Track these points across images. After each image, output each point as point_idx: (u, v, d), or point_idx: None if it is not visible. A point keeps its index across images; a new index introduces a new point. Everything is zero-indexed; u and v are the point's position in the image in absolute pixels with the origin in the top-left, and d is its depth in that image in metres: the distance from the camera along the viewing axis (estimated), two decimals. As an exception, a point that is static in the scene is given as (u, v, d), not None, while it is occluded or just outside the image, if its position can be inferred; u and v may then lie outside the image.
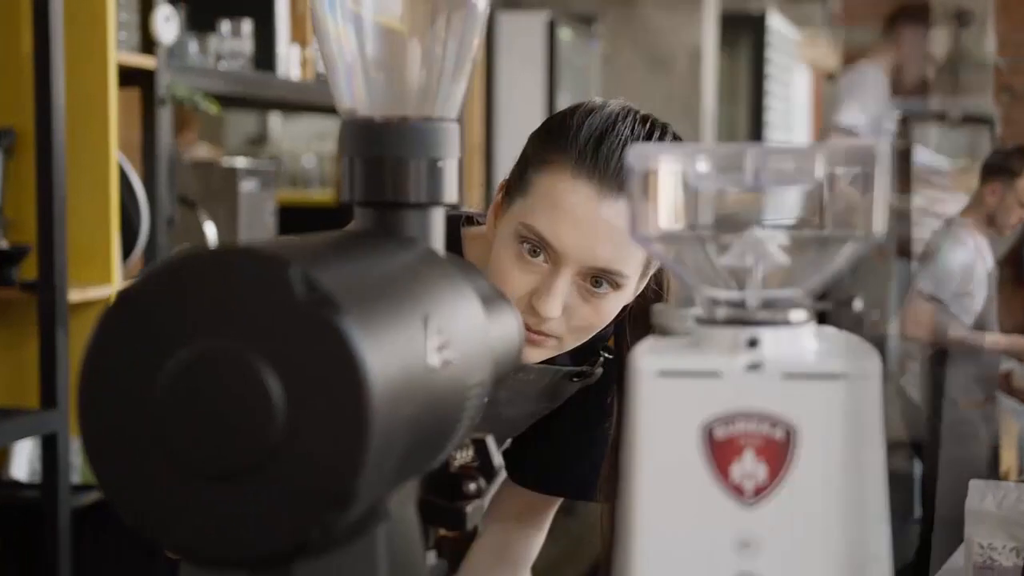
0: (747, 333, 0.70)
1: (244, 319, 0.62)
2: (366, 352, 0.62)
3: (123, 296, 0.63)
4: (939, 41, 4.51)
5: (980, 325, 4.33)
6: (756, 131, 7.46)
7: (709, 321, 0.73)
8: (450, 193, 0.84)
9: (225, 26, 3.05)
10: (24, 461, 2.60)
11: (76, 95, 2.47)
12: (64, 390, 2.37)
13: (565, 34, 5.43)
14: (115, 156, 2.52)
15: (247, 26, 3.05)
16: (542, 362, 1.38)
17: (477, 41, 0.86)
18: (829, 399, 0.68)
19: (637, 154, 0.72)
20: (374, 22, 0.83)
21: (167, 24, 2.66)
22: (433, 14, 0.84)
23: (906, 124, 4.62)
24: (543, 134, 1.30)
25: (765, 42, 7.28)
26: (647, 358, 0.71)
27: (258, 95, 3.19)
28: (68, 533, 2.39)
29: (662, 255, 0.73)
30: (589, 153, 1.24)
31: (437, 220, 0.84)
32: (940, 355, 4.36)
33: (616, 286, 1.27)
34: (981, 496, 2.03)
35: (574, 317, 1.28)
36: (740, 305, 0.73)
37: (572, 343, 1.31)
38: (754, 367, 0.69)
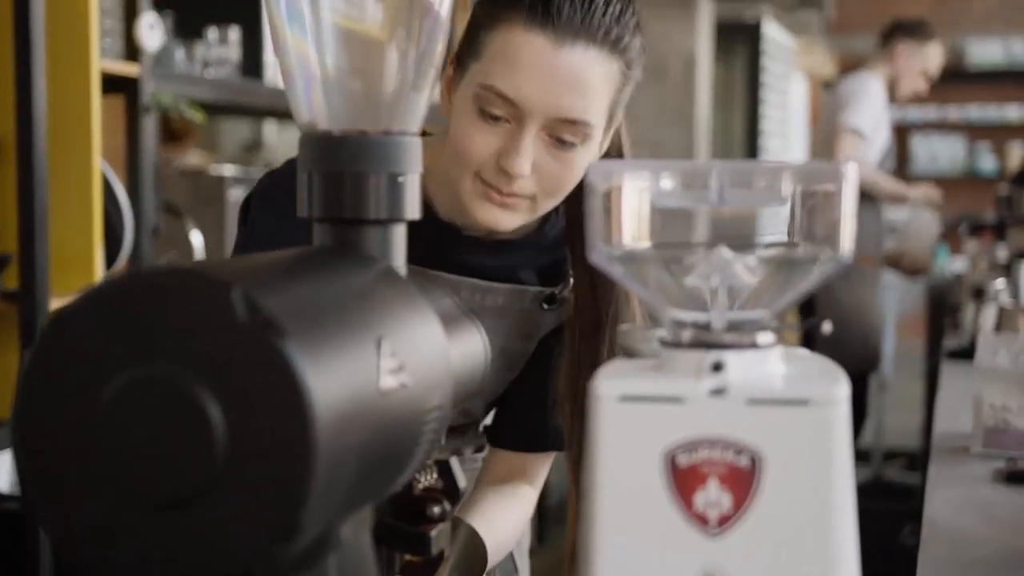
0: (712, 357, 0.68)
1: (185, 342, 0.60)
2: (311, 377, 0.59)
3: (61, 316, 0.61)
4: (935, 54, 4.53)
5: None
6: (752, 139, 7.45)
7: (674, 344, 0.70)
8: (412, 209, 0.82)
9: (212, 33, 3.03)
10: (5, 472, 2.58)
11: (59, 102, 2.44)
12: (44, 401, 2.34)
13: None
14: (98, 164, 2.50)
15: (234, 33, 3.02)
16: (511, 283, 1.38)
17: (440, 50, 0.84)
18: (795, 426, 0.66)
19: (598, 171, 0.70)
20: (333, 33, 0.81)
21: (152, 31, 2.64)
22: (394, 24, 0.82)
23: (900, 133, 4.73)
24: None
25: (761, 50, 7.27)
26: (608, 383, 0.68)
27: (245, 102, 3.16)
28: (49, 544, 2.36)
29: (624, 275, 0.71)
30: (540, 3, 1.22)
31: (398, 236, 0.82)
32: None
33: (583, 138, 1.24)
34: (993, 351, 1.93)
35: (544, 175, 1.25)
36: (706, 327, 0.71)
37: (546, 205, 1.29)
38: (718, 392, 0.67)
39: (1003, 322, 2.92)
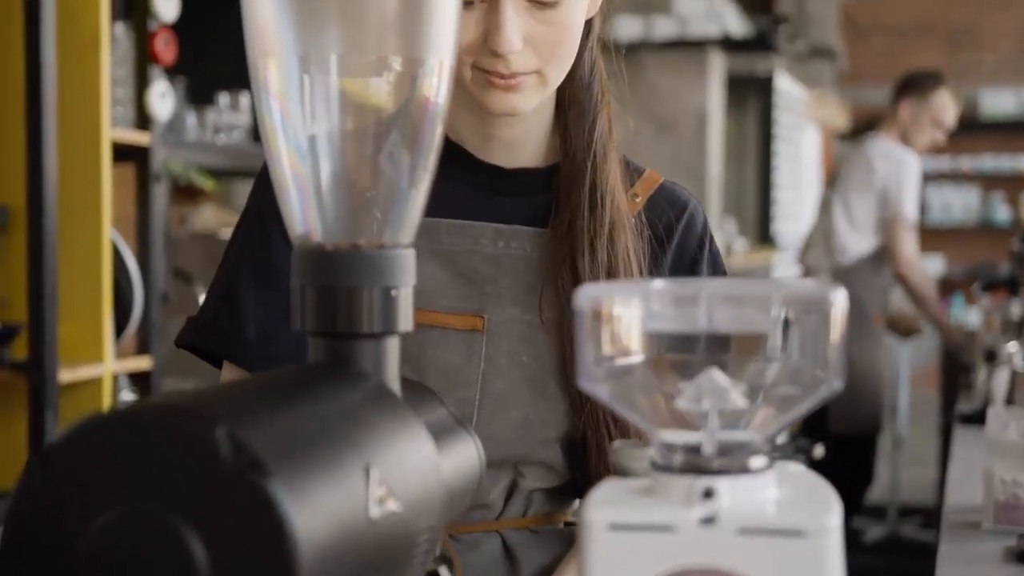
0: (702, 483, 0.67)
1: (169, 481, 0.60)
2: (296, 517, 0.59)
3: (45, 455, 0.61)
4: (943, 104, 4.53)
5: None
6: (764, 192, 7.45)
7: (664, 468, 0.70)
8: (405, 321, 0.82)
9: (223, 99, 3.05)
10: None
11: (69, 172, 2.46)
12: (52, 472, 2.34)
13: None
14: (108, 233, 2.51)
15: (245, 99, 3.04)
16: (540, 226, 1.25)
17: (432, 162, 0.84)
18: (788, 556, 0.65)
19: (586, 295, 0.70)
20: (327, 145, 0.81)
21: (163, 100, 2.66)
22: (388, 132, 0.82)
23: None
24: None
25: (773, 103, 7.29)
26: (598, 510, 0.68)
27: (256, 168, 3.17)
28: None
29: (612, 397, 0.70)
30: None
31: (391, 350, 0.81)
32: (857, 267, 4.44)
33: None
34: (1002, 424, 1.89)
35: (539, 43, 1.17)
36: (696, 450, 0.70)
37: (555, 73, 1.20)
38: (709, 521, 0.66)
39: (1016, 386, 2.90)
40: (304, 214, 0.81)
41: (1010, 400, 2.88)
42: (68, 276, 2.46)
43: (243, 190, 3.81)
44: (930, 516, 5.31)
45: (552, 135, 1.30)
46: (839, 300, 0.68)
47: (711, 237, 1.34)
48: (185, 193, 3.51)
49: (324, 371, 0.78)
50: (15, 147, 2.42)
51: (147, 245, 2.69)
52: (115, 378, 2.65)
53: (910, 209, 4.35)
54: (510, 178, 1.29)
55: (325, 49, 0.79)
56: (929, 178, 10.32)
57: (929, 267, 10.35)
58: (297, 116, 0.80)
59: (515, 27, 1.15)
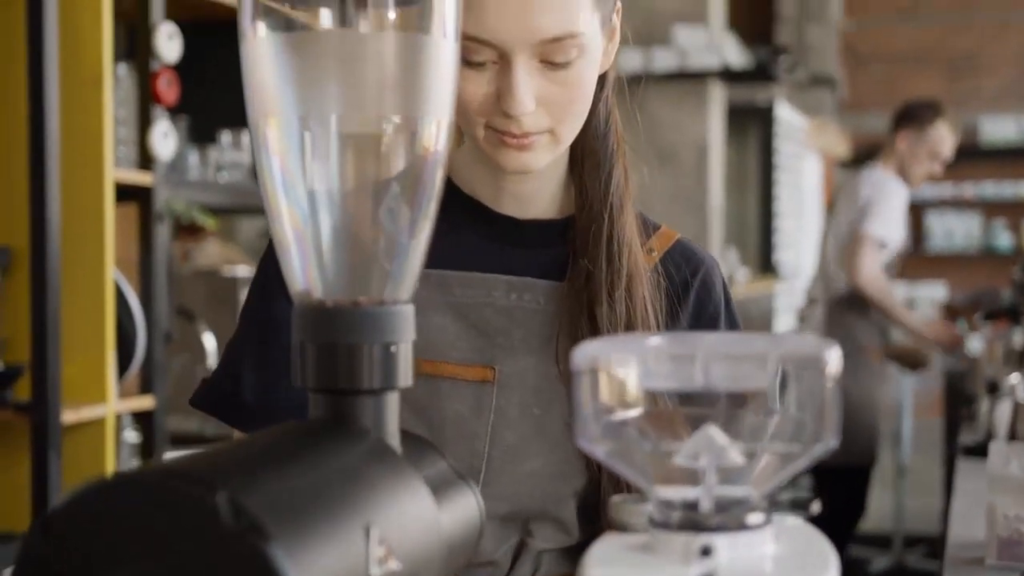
0: (700, 540, 0.68)
1: (170, 546, 0.60)
2: (296, 580, 0.59)
3: (47, 520, 0.61)
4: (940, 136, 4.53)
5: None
6: (765, 220, 7.47)
7: (662, 524, 0.70)
8: (405, 377, 0.82)
9: (225, 137, 3.07)
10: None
11: (72, 213, 2.47)
12: (55, 513, 2.34)
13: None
14: (111, 274, 2.52)
15: (247, 137, 3.06)
16: (554, 279, 1.24)
17: (431, 217, 0.84)
18: (785, 614, 0.66)
19: (583, 353, 0.70)
20: (328, 203, 0.82)
21: (165, 140, 2.68)
22: (384, 193, 0.83)
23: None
24: None
25: (773, 132, 7.31)
26: (597, 568, 0.68)
27: (258, 205, 3.19)
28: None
29: (609, 454, 0.71)
30: None
31: (391, 405, 0.82)
32: (853, 299, 4.43)
33: (578, 50, 1.15)
34: (1004, 459, 1.88)
35: (552, 103, 1.16)
36: (694, 506, 0.70)
37: (567, 132, 1.19)
38: (707, 579, 0.67)
39: (1019, 419, 2.90)
40: (304, 271, 0.82)
41: (1013, 432, 2.88)
42: (71, 317, 2.47)
43: (246, 226, 3.84)
44: (935, 545, 5.30)
45: (566, 187, 1.29)
46: (833, 358, 0.68)
47: (730, 298, 1.32)
48: (189, 229, 3.53)
49: (324, 428, 0.78)
50: (18, 187, 2.43)
51: (150, 284, 2.70)
52: (118, 418, 2.66)
53: (875, 227, 4.34)
54: (524, 230, 1.28)
55: (325, 109, 0.80)
56: (931, 205, 10.34)
57: (931, 294, 10.35)
58: (297, 174, 0.81)
59: (527, 88, 1.14)
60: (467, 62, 1.14)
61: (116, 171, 2.57)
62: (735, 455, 0.70)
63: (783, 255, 7.70)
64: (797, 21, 9.65)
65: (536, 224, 1.29)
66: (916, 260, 10.43)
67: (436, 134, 0.83)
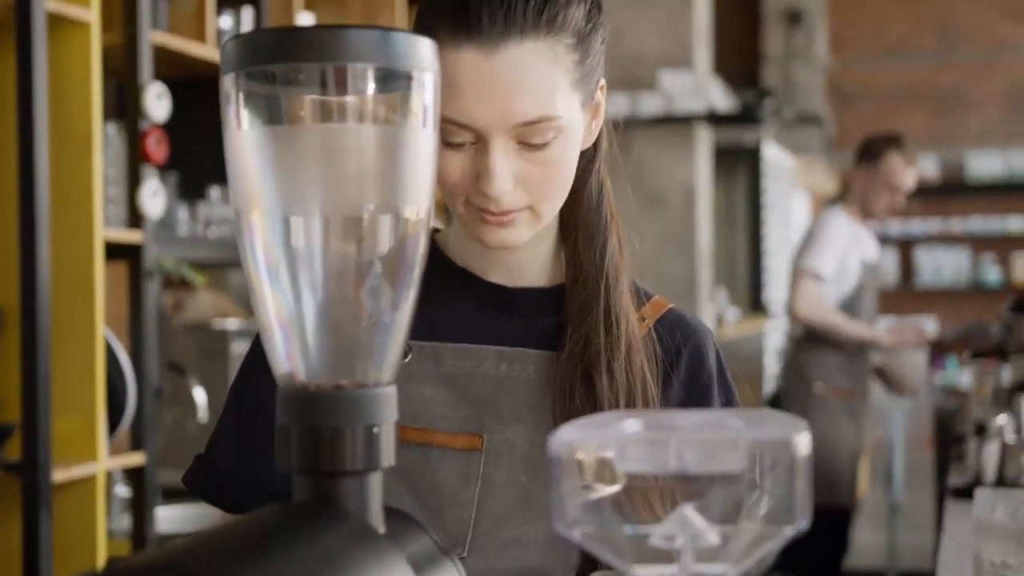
0: (677, 621, 0.70)
1: (157, 640, 0.62)
2: (280, 673, 0.61)
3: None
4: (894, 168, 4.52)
5: (848, 315, 4.46)
6: (755, 259, 7.50)
7: (640, 605, 0.72)
8: (387, 457, 0.84)
9: (215, 192, 3.09)
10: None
11: (63, 272, 2.48)
12: (48, 574, 2.35)
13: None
14: (101, 332, 2.53)
15: (236, 192, 3.08)
16: (546, 348, 1.25)
17: (410, 302, 0.86)
18: None
19: (560, 442, 0.72)
20: (311, 290, 0.83)
21: (154, 199, 2.70)
22: (365, 279, 0.85)
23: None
24: (415, 21, 1.20)
25: (761, 171, 7.36)
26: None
27: (247, 259, 3.21)
28: None
29: (586, 537, 0.73)
30: (460, 17, 1.14)
31: (375, 485, 0.83)
32: (806, 338, 4.43)
33: (555, 132, 1.15)
34: (990, 507, 1.89)
35: (530, 183, 1.17)
36: (671, 587, 0.72)
37: (548, 209, 1.20)
38: (683, 661, 0.68)
39: (1007, 460, 2.92)
40: (288, 354, 0.84)
41: (1000, 474, 2.90)
42: (62, 375, 2.48)
43: (237, 277, 3.85)
44: (929, 584, 5.29)
45: (556, 255, 1.30)
46: (802, 441, 0.70)
47: (724, 367, 1.32)
48: (181, 281, 3.55)
49: (308, 511, 0.80)
50: (9, 247, 2.45)
51: (140, 341, 2.71)
52: (109, 475, 2.66)
53: (808, 260, 4.37)
54: (515, 299, 1.29)
55: (308, 199, 0.82)
56: (919, 240, 10.40)
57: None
58: (280, 261, 0.83)
59: (505, 169, 1.15)
60: (446, 143, 1.16)
61: (106, 230, 2.59)
62: (711, 535, 0.72)
63: (772, 293, 7.73)
64: (783, 61, 9.73)
65: (527, 292, 1.30)
66: (905, 295, 10.47)
67: (416, 220, 0.85)
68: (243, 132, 0.82)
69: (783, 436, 0.71)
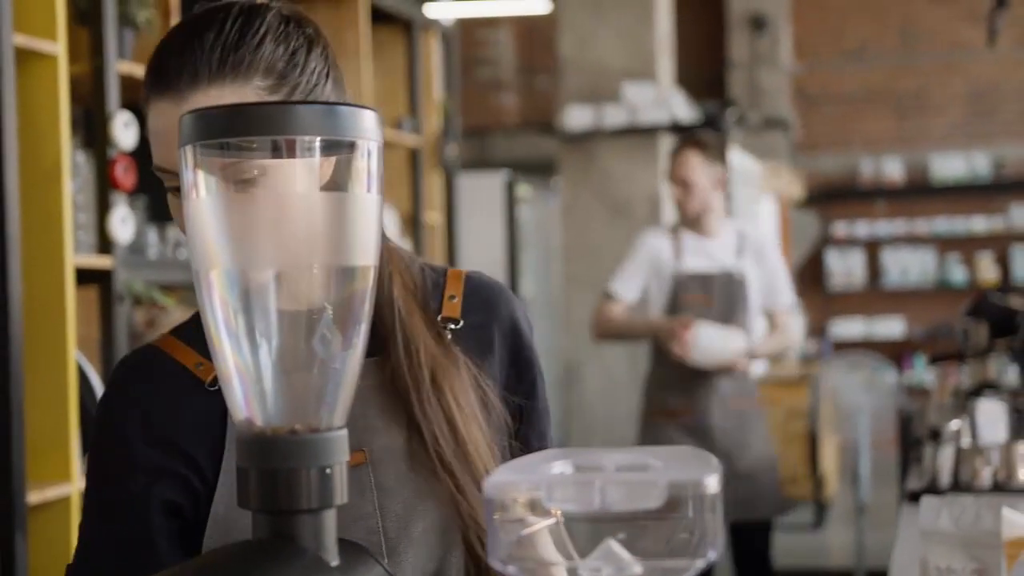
0: (601, 647, 0.76)
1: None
2: None
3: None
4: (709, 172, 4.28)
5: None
6: (722, 264, 7.58)
7: (567, 634, 0.79)
8: (340, 494, 0.91)
9: (183, 214, 3.15)
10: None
11: (34, 298, 2.54)
12: (24, 596, 2.41)
13: (524, 190, 5.57)
14: (73, 356, 2.59)
15: (205, 213, 3.14)
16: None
17: (359, 352, 0.93)
18: None
19: (493, 484, 0.79)
20: (267, 348, 0.90)
21: (123, 225, 2.75)
22: (316, 330, 0.91)
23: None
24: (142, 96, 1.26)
25: (727, 178, 7.42)
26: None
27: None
28: None
29: (521, 572, 0.80)
30: (156, 71, 1.21)
31: (329, 521, 0.90)
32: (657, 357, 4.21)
33: (261, 169, 1.12)
34: (936, 513, 1.94)
35: None
36: (598, 614, 0.79)
37: None
38: None
39: (961, 463, 2.99)
40: (246, 402, 0.91)
41: (955, 478, 2.97)
42: (34, 399, 2.53)
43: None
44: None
45: None
46: (712, 482, 0.77)
47: (525, 326, 1.38)
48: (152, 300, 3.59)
49: (266, 548, 0.87)
50: (-19, 274, 2.50)
51: (111, 364, 2.77)
52: (82, 495, 2.71)
53: (610, 282, 4.20)
54: None
55: (261, 259, 0.89)
56: (886, 241, 10.52)
57: (888, 329, 10.52)
58: (237, 316, 0.90)
59: None
60: (169, 190, 1.22)
61: (76, 256, 2.64)
62: (635, 567, 0.79)
63: (740, 298, 7.81)
64: (748, 66, 9.84)
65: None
66: (873, 295, 10.59)
67: (364, 273, 0.92)
68: (200, 199, 0.88)
69: (696, 477, 0.78)
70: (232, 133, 0.88)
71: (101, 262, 2.74)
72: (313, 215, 0.89)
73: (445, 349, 1.31)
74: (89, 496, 1.30)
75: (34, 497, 2.48)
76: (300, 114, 0.87)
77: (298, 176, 0.89)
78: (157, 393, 1.28)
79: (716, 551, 0.78)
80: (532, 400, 1.38)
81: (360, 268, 0.90)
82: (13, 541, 2.39)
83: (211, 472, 1.26)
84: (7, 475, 2.42)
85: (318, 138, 0.87)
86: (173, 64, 1.20)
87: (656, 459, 0.83)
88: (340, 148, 0.89)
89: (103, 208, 2.76)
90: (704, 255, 4.20)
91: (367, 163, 0.89)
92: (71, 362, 2.57)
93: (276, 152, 0.89)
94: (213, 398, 1.26)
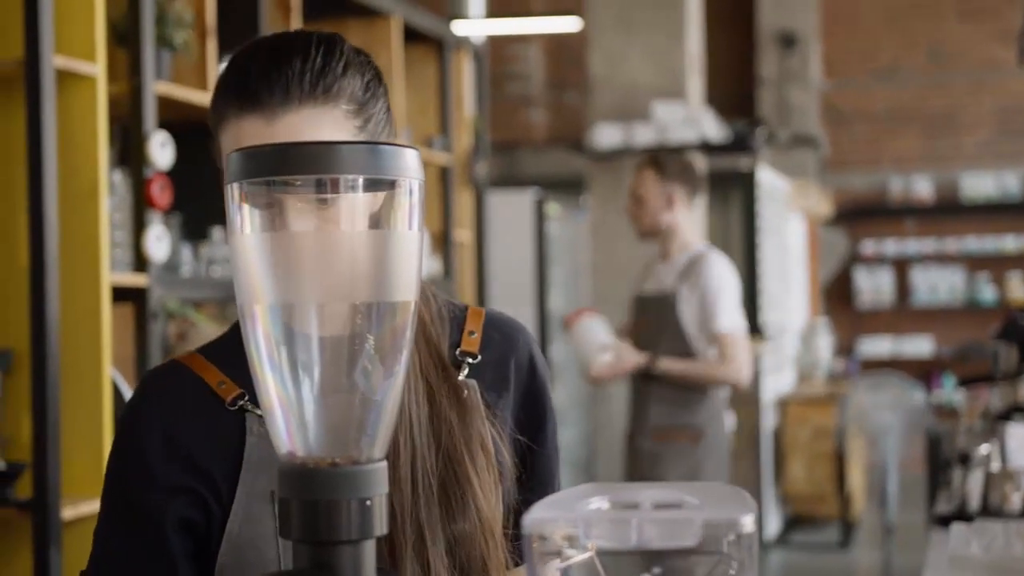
0: None
1: None
2: None
3: None
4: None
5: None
6: (751, 283, 7.58)
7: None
8: (380, 526, 0.92)
9: (218, 233, 3.18)
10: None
11: (71, 315, 2.57)
12: (58, 611, 2.43)
13: (553, 208, 5.58)
14: (108, 373, 2.62)
15: (239, 232, 3.17)
16: None
17: (399, 384, 0.94)
18: None
19: (531, 520, 0.81)
20: (308, 382, 0.92)
21: (159, 243, 2.78)
22: (357, 364, 0.93)
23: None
24: (212, 102, 1.27)
25: (755, 196, 7.44)
26: None
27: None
28: None
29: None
30: (242, 92, 1.22)
31: (368, 552, 0.92)
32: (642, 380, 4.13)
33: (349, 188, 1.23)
34: (966, 541, 1.96)
35: None
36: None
37: None
38: None
39: (991, 488, 2.98)
40: (288, 435, 0.93)
41: (985, 502, 2.96)
42: (70, 415, 2.57)
43: (236, 311, 3.94)
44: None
45: None
46: (748, 521, 0.79)
47: (541, 365, 1.39)
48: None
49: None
50: (19, 292, 2.54)
51: (146, 380, 2.79)
52: (116, 510, 2.74)
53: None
54: None
55: (304, 295, 0.91)
56: (915, 260, 10.48)
57: (917, 348, 10.47)
58: (281, 352, 0.92)
59: (299, 227, 1.18)
60: None
61: (112, 274, 2.68)
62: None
63: (769, 315, 7.81)
64: (778, 83, 9.83)
65: None
66: (902, 314, 10.55)
67: (404, 307, 0.93)
68: (245, 236, 0.90)
69: (733, 516, 0.79)
70: (279, 172, 0.90)
71: (136, 280, 2.78)
72: (356, 252, 0.91)
73: (451, 384, 1.31)
74: (106, 505, 1.31)
75: (68, 512, 2.51)
76: (344, 153, 0.89)
77: (341, 213, 0.91)
78: (179, 409, 1.30)
79: (752, 586, 0.79)
80: (541, 441, 1.38)
81: (401, 303, 0.92)
82: (48, 556, 2.42)
83: (227, 490, 1.27)
84: (43, 490, 2.45)
85: (361, 177, 0.89)
86: (262, 83, 1.22)
87: (691, 496, 0.84)
88: (382, 186, 0.91)
89: (139, 226, 2.80)
90: (656, 279, 4.24)
91: (409, 200, 0.91)
92: (106, 379, 2.60)
93: (320, 190, 0.91)
94: (233, 417, 1.28)
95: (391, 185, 0.91)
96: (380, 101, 1.29)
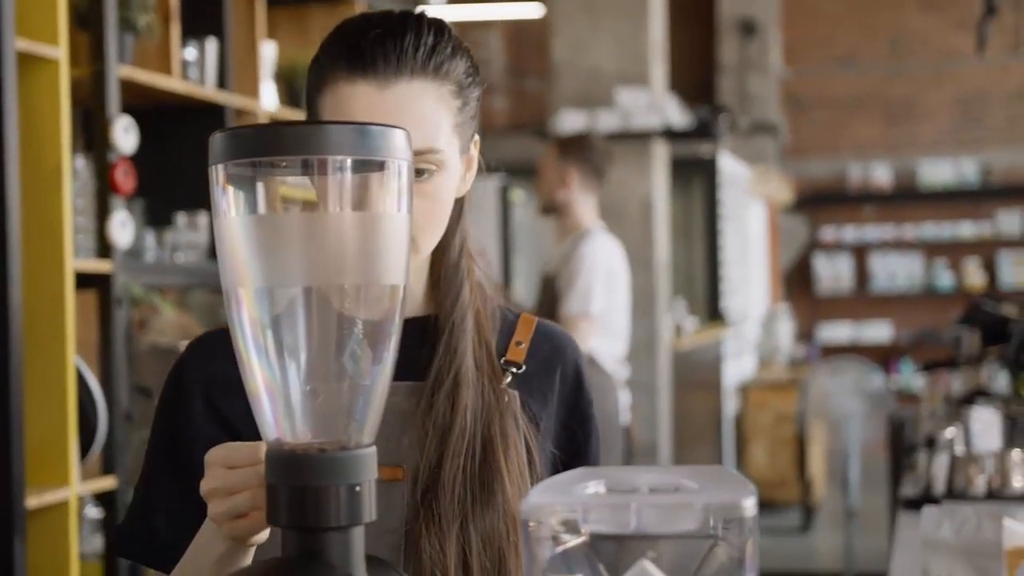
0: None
1: None
2: None
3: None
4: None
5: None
6: (712, 269, 7.61)
7: (601, 653, 0.79)
8: (369, 512, 0.91)
9: (181, 219, 3.14)
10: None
11: (34, 302, 2.53)
12: (22, 602, 2.40)
13: (517, 195, 5.58)
14: (72, 360, 2.58)
15: (203, 218, 3.14)
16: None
17: (388, 369, 0.93)
18: None
19: (529, 504, 0.79)
20: (294, 364, 0.90)
21: (123, 229, 2.75)
22: (345, 349, 0.92)
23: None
24: (313, 65, 1.28)
25: (717, 183, 7.46)
26: None
27: (213, 284, 3.26)
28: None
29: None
30: (356, 56, 1.23)
31: (357, 538, 0.90)
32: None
33: (437, 165, 1.24)
34: (937, 523, 1.96)
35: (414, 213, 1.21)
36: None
37: (427, 242, 1.27)
38: None
39: (956, 471, 3.00)
40: (275, 421, 0.91)
41: (950, 485, 2.98)
42: (34, 403, 2.53)
43: (201, 298, 3.90)
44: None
45: (432, 286, 1.35)
46: (749, 505, 0.78)
47: (585, 373, 1.40)
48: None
49: (295, 565, 0.87)
50: (-19, 278, 2.50)
51: (110, 367, 2.76)
52: (80, 499, 2.71)
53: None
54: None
55: (290, 278, 0.89)
56: (874, 246, 10.55)
57: (876, 334, 10.56)
58: (267, 336, 0.90)
59: None
60: None
61: (76, 260, 2.64)
62: (666, 587, 0.79)
63: (730, 301, 7.84)
64: (738, 71, 9.85)
65: (406, 322, 1.35)
66: (861, 300, 10.61)
67: (393, 290, 0.92)
68: (230, 218, 0.88)
69: (734, 499, 0.78)
70: (263, 152, 0.88)
71: (100, 266, 2.74)
72: (343, 234, 0.89)
73: (495, 391, 1.31)
74: (153, 451, 1.32)
75: (33, 501, 2.48)
76: (331, 133, 0.88)
77: (328, 195, 0.89)
78: (222, 373, 1.27)
79: (755, 573, 0.78)
80: (584, 455, 1.38)
81: (390, 287, 0.91)
82: (12, 545, 2.39)
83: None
84: (6, 479, 2.42)
85: (349, 158, 0.88)
86: (378, 51, 1.23)
87: (690, 480, 0.83)
88: (370, 168, 0.89)
89: (102, 212, 2.76)
90: (551, 260, 4.25)
91: (397, 182, 0.90)
92: (70, 366, 2.57)
93: (306, 170, 0.90)
94: None
95: (380, 167, 0.89)
96: (477, 89, 1.31)
